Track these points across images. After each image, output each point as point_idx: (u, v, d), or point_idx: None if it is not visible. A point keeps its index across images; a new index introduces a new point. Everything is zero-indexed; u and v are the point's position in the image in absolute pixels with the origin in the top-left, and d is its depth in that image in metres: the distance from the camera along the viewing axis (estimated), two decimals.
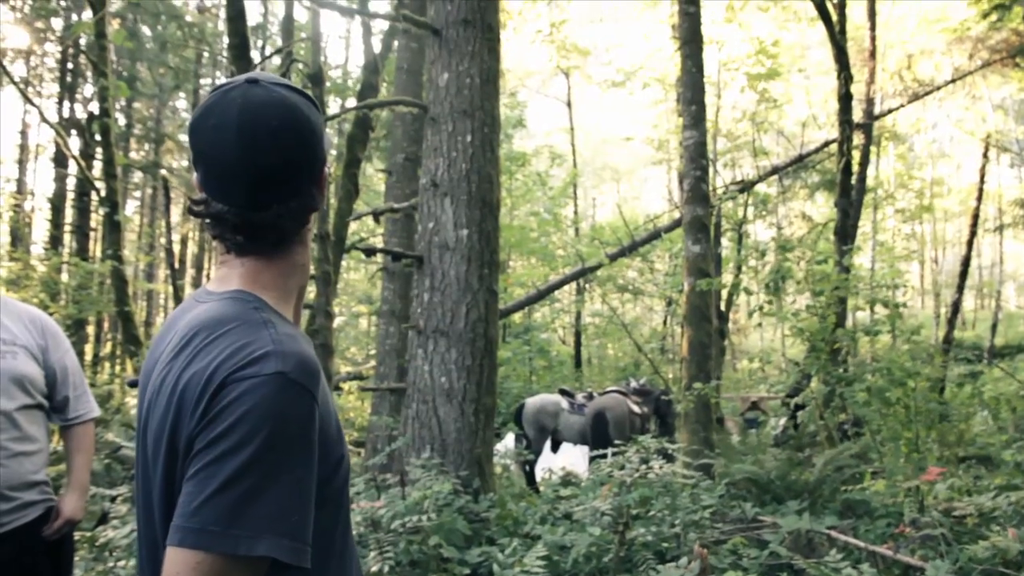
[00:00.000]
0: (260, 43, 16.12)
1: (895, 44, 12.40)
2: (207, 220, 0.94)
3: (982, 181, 13.00)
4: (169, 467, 0.85)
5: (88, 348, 15.41)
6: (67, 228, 15.57)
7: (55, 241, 15.21)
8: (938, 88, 11.51)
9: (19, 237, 14.84)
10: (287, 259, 0.98)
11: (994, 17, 9.14)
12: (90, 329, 15.96)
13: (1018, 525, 3.72)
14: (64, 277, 12.26)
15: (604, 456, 4.67)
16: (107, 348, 17.13)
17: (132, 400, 9.23)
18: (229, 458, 0.78)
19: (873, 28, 9.87)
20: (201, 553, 0.76)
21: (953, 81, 11.23)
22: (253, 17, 16.00)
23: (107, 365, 16.11)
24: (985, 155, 13.11)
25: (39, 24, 15.37)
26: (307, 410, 0.83)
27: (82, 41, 12.24)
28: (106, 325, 17.24)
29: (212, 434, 0.80)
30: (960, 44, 10.70)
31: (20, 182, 18.24)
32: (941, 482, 4.43)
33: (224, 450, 0.79)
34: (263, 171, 0.90)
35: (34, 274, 11.31)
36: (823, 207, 14.82)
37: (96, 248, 16.74)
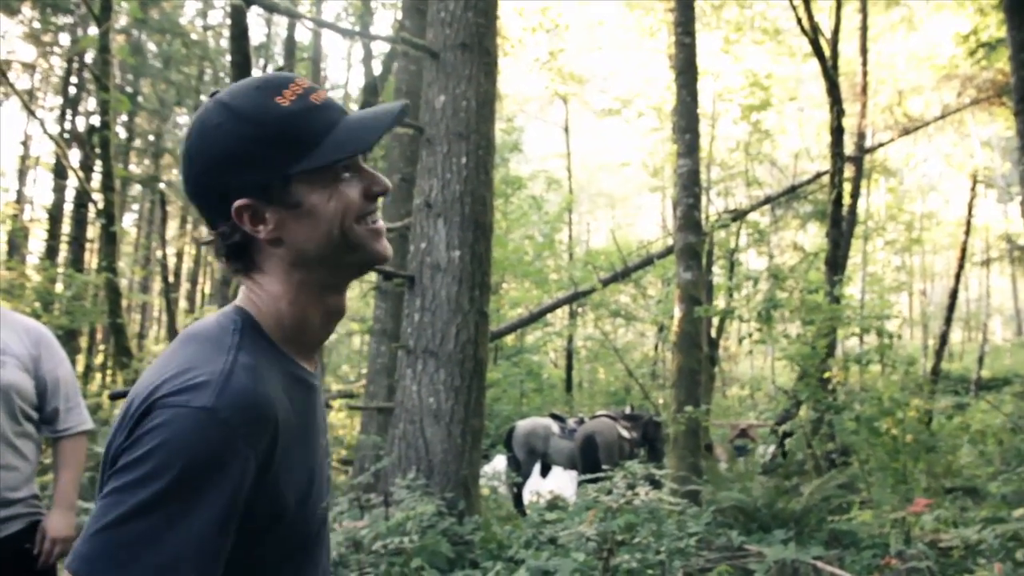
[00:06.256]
0: (262, 62, 16.31)
1: (886, 80, 12.64)
2: None
3: (970, 216, 13.19)
4: (102, 479, 0.78)
5: (80, 359, 15.34)
6: (64, 239, 15.58)
7: (51, 251, 15.22)
8: (927, 124, 11.73)
9: (16, 246, 14.84)
10: (270, 285, 0.88)
11: (980, 56, 9.35)
12: (83, 340, 15.90)
13: (1004, 559, 3.72)
14: (59, 288, 12.25)
15: (593, 481, 4.67)
16: (99, 359, 17.04)
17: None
18: (137, 489, 0.71)
19: (865, 64, 10.07)
20: None
21: (942, 118, 11.45)
22: (256, 36, 16.23)
23: (98, 376, 16.02)
24: (973, 190, 13.33)
25: (45, 38, 15.54)
26: (233, 450, 0.74)
27: (88, 56, 12.38)
28: (99, 336, 17.17)
29: (130, 457, 0.74)
30: (949, 82, 10.93)
31: (19, 192, 18.30)
32: (928, 514, 4.43)
33: (134, 479, 0.72)
34: (189, 196, 0.89)
35: (28, 284, 11.30)
36: (815, 237, 14.97)
37: (92, 260, 16.74)
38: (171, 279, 16.43)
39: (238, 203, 0.85)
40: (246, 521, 0.77)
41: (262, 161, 0.84)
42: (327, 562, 0.98)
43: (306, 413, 0.89)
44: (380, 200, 0.92)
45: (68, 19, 14.90)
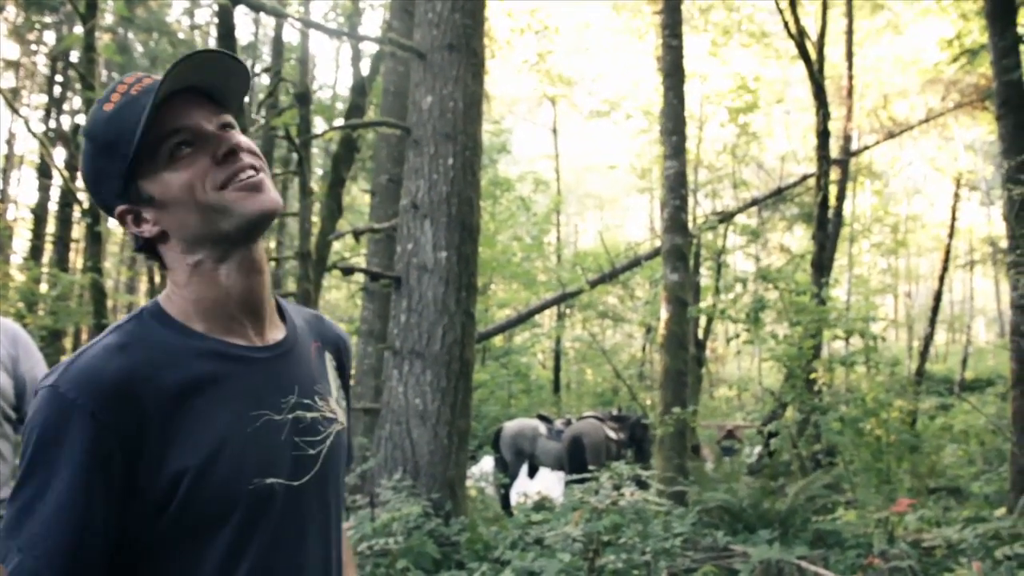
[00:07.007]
0: (250, 62, 16.23)
1: (872, 84, 12.77)
2: None
3: (953, 218, 13.35)
4: None
5: (64, 359, 15.18)
6: (48, 239, 15.42)
7: (36, 251, 15.05)
8: (912, 128, 11.85)
9: (0, 246, 14.67)
10: (173, 275, 0.93)
11: (964, 61, 9.48)
12: (67, 341, 15.73)
13: (983, 558, 3.76)
14: (43, 288, 12.12)
15: (580, 481, 4.68)
16: None
17: None
18: (19, 469, 0.82)
19: (850, 68, 10.17)
20: None
21: (926, 121, 11.58)
22: (244, 36, 16.15)
23: None
24: (956, 193, 13.49)
25: (30, 36, 15.39)
26: (73, 424, 0.79)
27: (73, 55, 12.27)
28: (84, 337, 17.00)
29: None
30: (933, 86, 11.06)
31: (3, 192, 18.10)
32: (911, 513, 4.48)
33: (20, 460, 0.83)
34: None
35: (12, 284, 11.16)
36: (801, 239, 15.09)
37: (77, 260, 16.58)
38: (157, 279, 16.30)
39: (117, 212, 0.91)
40: (139, 488, 0.82)
41: (107, 170, 0.89)
42: (307, 543, 0.93)
43: (226, 385, 0.88)
44: (241, 156, 0.89)
45: (53, 17, 14.76)
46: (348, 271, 5.58)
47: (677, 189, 7.05)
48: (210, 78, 0.90)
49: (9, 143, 17.80)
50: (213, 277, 0.91)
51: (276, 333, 0.97)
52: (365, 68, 9.75)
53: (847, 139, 10.44)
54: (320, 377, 1.01)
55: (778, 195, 12.24)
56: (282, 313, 1.02)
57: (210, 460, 0.84)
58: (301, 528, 0.93)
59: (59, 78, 15.82)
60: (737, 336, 6.95)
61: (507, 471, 7.67)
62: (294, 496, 0.91)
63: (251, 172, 0.89)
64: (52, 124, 15.85)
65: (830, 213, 9.24)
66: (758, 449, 8.34)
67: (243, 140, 0.91)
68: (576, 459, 7.14)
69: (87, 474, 0.79)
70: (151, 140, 0.86)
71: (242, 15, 19.62)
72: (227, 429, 0.86)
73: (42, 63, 16.50)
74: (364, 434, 6.75)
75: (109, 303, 10.42)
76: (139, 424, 0.82)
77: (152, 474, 0.82)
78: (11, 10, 14.02)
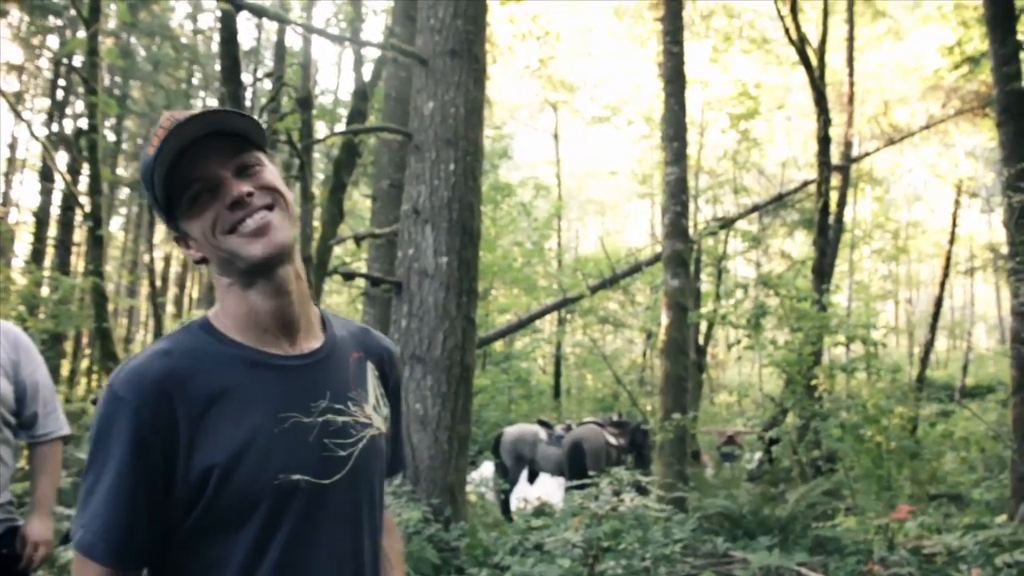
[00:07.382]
0: (252, 67, 16.29)
1: (872, 90, 12.80)
2: None
3: (954, 225, 13.37)
4: None
5: (65, 363, 15.20)
6: (50, 242, 15.45)
7: (37, 255, 15.08)
8: (913, 134, 11.88)
9: (2, 249, 14.68)
10: (217, 291, 1.02)
11: (965, 69, 9.51)
12: (68, 345, 15.75)
13: (983, 565, 3.75)
14: (44, 291, 12.13)
15: (580, 487, 4.67)
16: (84, 364, 16.89)
17: None
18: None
19: (851, 74, 10.20)
20: None
21: (927, 128, 11.60)
22: (247, 41, 16.21)
23: (83, 381, 15.86)
24: (957, 200, 13.51)
25: (34, 40, 15.46)
26: (120, 418, 0.90)
27: (76, 59, 12.32)
28: (84, 340, 17.02)
29: None
30: (934, 93, 11.09)
31: (6, 195, 18.15)
32: (911, 520, 4.47)
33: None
34: None
35: (14, 287, 11.18)
36: (802, 245, 15.10)
37: (78, 263, 16.61)
38: (158, 283, 16.33)
39: (173, 237, 1.02)
40: (174, 484, 0.91)
41: (155, 207, 1.00)
42: (334, 541, 0.98)
43: (257, 389, 0.96)
44: (249, 201, 0.96)
45: (57, 21, 14.82)
46: (349, 276, 5.59)
47: (678, 195, 7.06)
48: (217, 126, 0.96)
49: (12, 147, 17.86)
50: (243, 297, 0.99)
51: (312, 343, 1.03)
52: (367, 73, 9.78)
53: (848, 145, 10.47)
54: (357, 385, 1.06)
55: (779, 201, 12.25)
56: (324, 324, 1.08)
57: (237, 457, 0.91)
58: (328, 526, 0.98)
59: (62, 82, 15.88)
60: (738, 342, 6.95)
61: (507, 476, 7.67)
62: (321, 495, 0.96)
63: (258, 216, 0.96)
64: (55, 128, 15.90)
65: (831, 219, 9.26)
66: (758, 455, 8.33)
67: (259, 179, 0.97)
68: (576, 465, 7.13)
69: (131, 465, 0.89)
70: (175, 187, 0.96)
71: (245, 20, 19.69)
72: (255, 429, 0.93)
73: (45, 67, 16.57)
74: None
75: (110, 307, 10.45)
76: (175, 421, 0.90)
77: (184, 470, 0.90)
78: (15, 14, 14.09)
